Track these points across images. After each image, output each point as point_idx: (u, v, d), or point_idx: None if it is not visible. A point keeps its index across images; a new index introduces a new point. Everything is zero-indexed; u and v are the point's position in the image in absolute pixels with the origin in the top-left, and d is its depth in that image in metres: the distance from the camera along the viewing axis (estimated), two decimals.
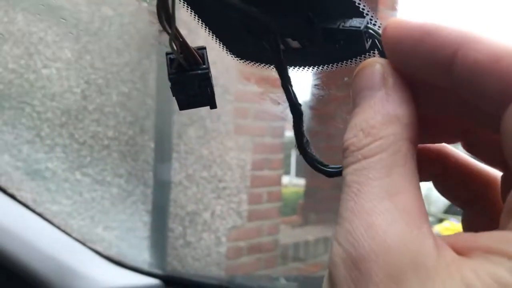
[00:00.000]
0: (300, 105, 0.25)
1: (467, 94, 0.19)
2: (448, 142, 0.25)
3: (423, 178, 0.24)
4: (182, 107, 0.26)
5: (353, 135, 0.20)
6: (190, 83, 0.24)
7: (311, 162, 0.25)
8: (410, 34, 0.20)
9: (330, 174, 0.25)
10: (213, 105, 0.26)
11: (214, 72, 0.25)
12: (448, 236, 0.19)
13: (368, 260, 0.17)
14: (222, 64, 1.56)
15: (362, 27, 0.23)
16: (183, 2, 0.25)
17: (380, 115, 0.20)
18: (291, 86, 0.24)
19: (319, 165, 0.25)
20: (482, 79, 0.18)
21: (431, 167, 0.25)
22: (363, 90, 0.21)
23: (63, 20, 1.24)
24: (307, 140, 0.25)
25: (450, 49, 0.19)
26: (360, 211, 0.18)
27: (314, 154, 0.25)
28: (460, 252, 0.17)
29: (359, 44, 0.23)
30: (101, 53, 1.38)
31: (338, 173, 0.23)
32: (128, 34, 1.43)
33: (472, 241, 0.17)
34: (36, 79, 1.23)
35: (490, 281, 0.16)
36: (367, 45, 0.23)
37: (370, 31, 0.23)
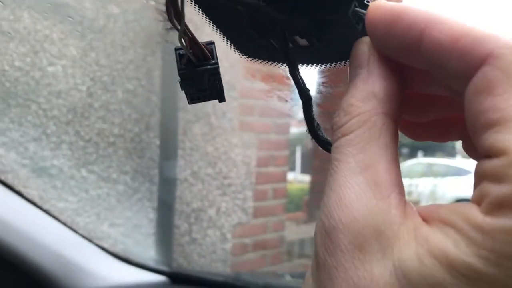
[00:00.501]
0: (308, 90, 0.25)
1: (437, 74, 0.20)
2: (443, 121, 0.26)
3: (453, 138, 0.26)
4: (191, 101, 0.26)
5: (337, 115, 0.22)
6: (199, 78, 0.24)
7: (324, 145, 0.25)
8: (384, 17, 0.21)
9: None
10: (221, 99, 0.27)
11: (219, 69, 0.25)
12: (424, 206, 0.20)
13: (337, 230, 0.19)
14: (227, 61, 1.56)
15: (350, 11, 0.23)
16: (193, 3, 0.25)
17: (360, 93, 0.21)
18: (298, 72, 0.25)
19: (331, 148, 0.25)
20: (445, 59, 0.19)
21: (455, 127, 0.26)
22: (352, 69, 0.22)
23: (69, 18, 1.24)
24: (318, 124, 0.26)
25: (417, 31, 0.19)
26: (335, 186, 0.20)
27: (326, 137, 0.25)
28: (427, 221, 0.19)
29: (352, 30, 0.23)
30: (106, 51, 1.38)
31: None
32: (133, 31, 1.44)
33: (435, 211, 0.19)
34: (42, 77, 1.24)
35: (437, 252, 0.17)
36: (359, 28, 0.23)
37: (360, 14, 0.23)
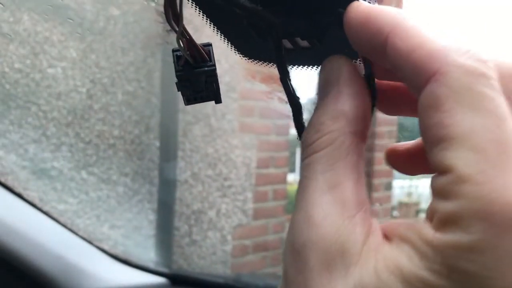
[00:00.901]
0: (298, 98, 0.25)
1: (400, 78, 0.21)
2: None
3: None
4: (187, 102, 0.26)
5: (307, 132, 0.22)
6: (197, 80, 0.25)
7: None
8: (357, 18, 0.21)
9: None
10: (218, 100, 0.27)
11: (219, 70, 0.25)
12: (389, 222, 0.20)
13: (306, 248, 0.19)
14: (227, 62, 1.56)
15: (336, 12, 0.22)
16: (191, 2, 0.25)
17: (330, 111, 0.21)
18: (289, 80, 0.25)
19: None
20: (403, 67, 0.19)
21: None
22: (322, 87, 0.23)
23: (69, 20, 1.24)
24: None
25: (383, 35, 0.20)
26: (303, 204, 0.20)
27: None
28: (389, 237, 0.19)
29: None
30: (106, 52, 1.38)
31: None
32: (133, 33, 1.44)
33: (395, 228, 0.19)
34: (42, 79, 1.24)
35: (393, 267, 0.17)
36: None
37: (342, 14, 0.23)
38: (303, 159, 0.22)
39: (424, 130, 0.19)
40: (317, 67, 0.27)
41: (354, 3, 0.21)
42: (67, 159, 1.29)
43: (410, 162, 0.26)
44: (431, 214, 0.18)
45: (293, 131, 2.03)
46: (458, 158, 0.17)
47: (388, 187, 2.40)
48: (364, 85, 0.22)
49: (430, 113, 0.18)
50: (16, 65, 1.18)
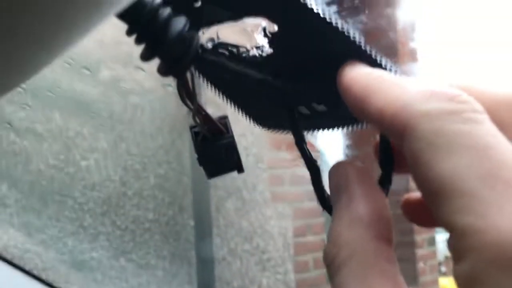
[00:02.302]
0: (315, 161, 0.25)
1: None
2: None
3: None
4: (210, 175, 0.27)
5: (326, 247, 0.20)
6: (217, 153, 0.25)
7: None
8: (341, 84, 0.21)
9: None
10: (240, 170, 0.27)
11: (245, 143, 0.26)
12: None
13: None
14: (252, 135, 1.58)
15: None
16: (203, 79, 0.26)
17: (344, 220, 0.20)
18: (305, 144, 0.25)
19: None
20: (383, 131, 0.19)
21: None
22: (333, 194, 0.21)
23: (97, 113, 1.30)
24: (328, 195, 0.25)
25: (359, 103, 0.19)
26: None
27: None
28: None
29: None
30: (135, 140, 1.43)
31: None
32: (160, 118, 1.49)
33: None
34: (76, 172, 1.28)
35: None
36: None
37: None
38: (330, 279, 0.20)
39: (420, 192, 0.17)
40: (337, 129, 0.27)
41: (340, 71, 0.21)
42: (105, 248, 1.30)
43: (425, 213, 0.24)
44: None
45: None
46: (453, 212, 0.15)
47: (432, 242, 2.30)
48: (376, 186, 0.21)
49: (414, 173, 0.17)
50: (51, 161, 1.23)
